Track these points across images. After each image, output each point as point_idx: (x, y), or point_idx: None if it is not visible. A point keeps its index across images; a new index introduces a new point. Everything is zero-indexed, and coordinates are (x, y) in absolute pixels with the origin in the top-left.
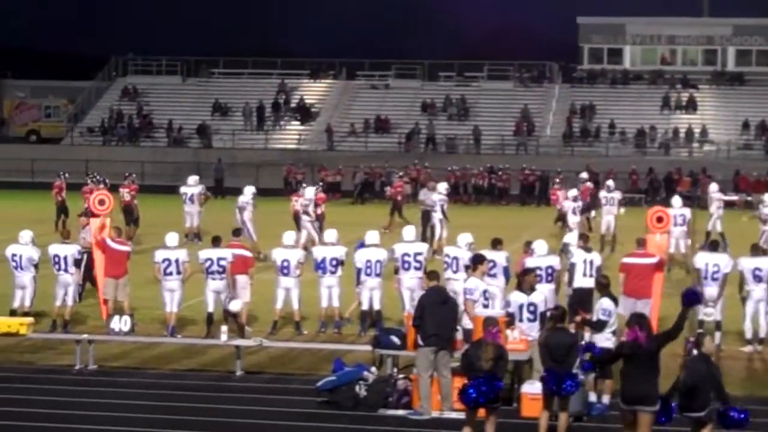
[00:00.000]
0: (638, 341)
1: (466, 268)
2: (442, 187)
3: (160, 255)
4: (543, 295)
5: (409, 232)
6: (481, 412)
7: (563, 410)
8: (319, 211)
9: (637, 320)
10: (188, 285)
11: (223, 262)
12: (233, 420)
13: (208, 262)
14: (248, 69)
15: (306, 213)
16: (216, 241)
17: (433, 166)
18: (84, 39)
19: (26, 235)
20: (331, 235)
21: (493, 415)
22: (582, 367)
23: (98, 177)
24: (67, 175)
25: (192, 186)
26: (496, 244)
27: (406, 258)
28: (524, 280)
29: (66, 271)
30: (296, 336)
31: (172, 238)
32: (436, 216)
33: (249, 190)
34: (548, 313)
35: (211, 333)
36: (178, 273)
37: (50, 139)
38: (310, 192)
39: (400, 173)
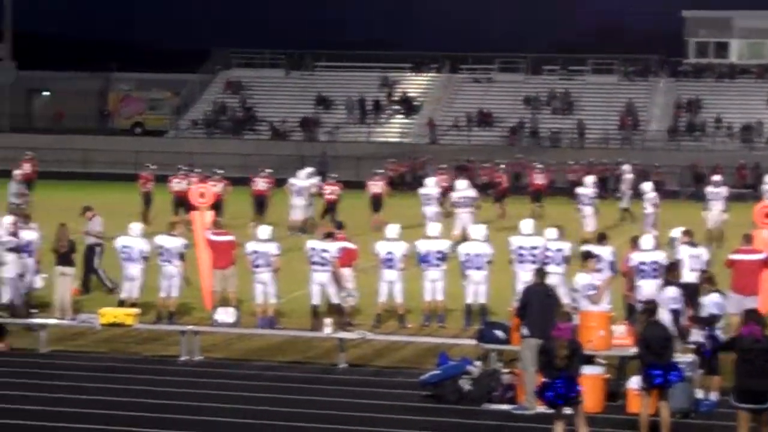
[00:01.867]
0: (756, 336)
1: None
2: (590, 181)
3: (250, 247)
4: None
5: (527, 225)
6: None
7: (664, 405)
8: None
9: (753, 315)
10: (290, 276)
11: (326, 255)
12: (336, 412)
13: (311, 253)
14: (351, 62)
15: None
16: (329, 236)
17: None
18: (187, 32)
19: (136, 227)
20: (434, 228)
21: (579, 409)
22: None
23: (188, 169)
24: (154, 166)
25: (302, 179)
26: (602, 238)
27: (521, 251)
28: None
29: (171, 263)
30: (400, 329)
31: (263, 230)
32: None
33: None
34: (640, 307)
35: (316, 325)
36: (268, 265)
37: (154, 131)
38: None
39: (502, 165)
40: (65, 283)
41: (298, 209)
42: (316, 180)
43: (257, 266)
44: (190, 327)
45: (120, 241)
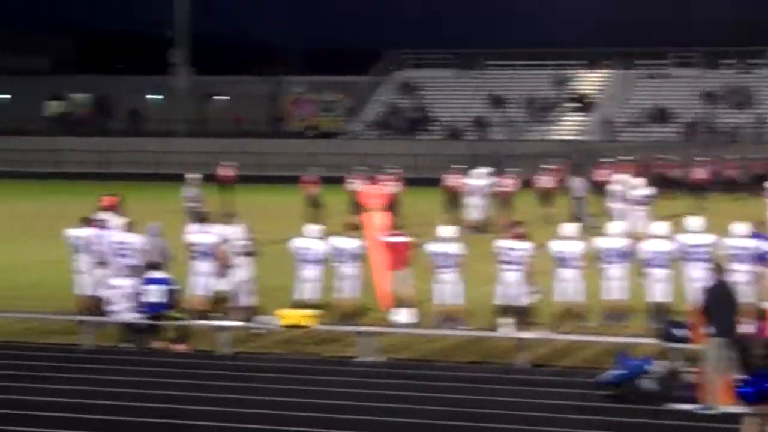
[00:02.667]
0: None
1: None
2: None
3: (431, 247)
4: None
5: (695, 222)
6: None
7: None
8: None
9: None
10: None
11: (517, 254)
12: (516, 412)
13: (501, 252)
14: (522, 60)
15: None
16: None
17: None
18: (358, 33)
19: (314, 229)
20: (617, 227)
21: None
22: None
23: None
24: (315, 169)
25: (477, 179)
26: None
27: (689, 249)
28: None
29: (345, 263)
30: (579, 328)
31: (446, 230)
32: None
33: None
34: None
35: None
36: (452, 266)
37: (327, 133)
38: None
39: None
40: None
41: (473, 209)
42: (491, 180)
43: (439, 267)
44: (367, 327)
45: (296, 243)
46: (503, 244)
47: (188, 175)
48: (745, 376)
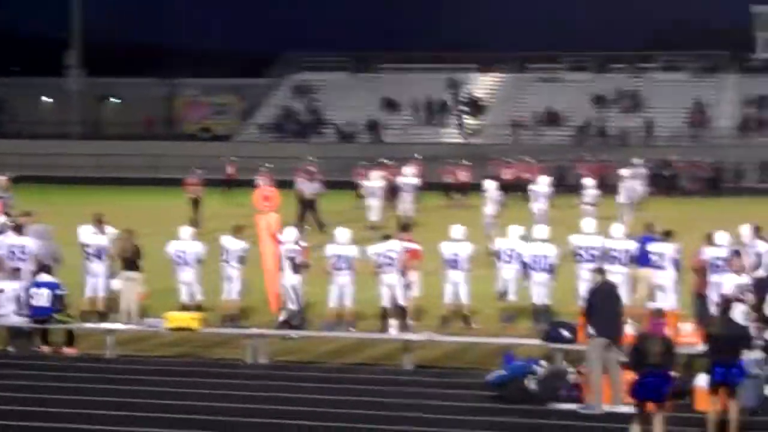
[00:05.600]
0: None
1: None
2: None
3: (331, 250)
4: None
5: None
6: (650, 407)
7: (733, 403)
8: None
9: None
10: (361, 279)
11: (392, 255)
12: (403, 414)
13: (378, 256)
14: (416, 63)
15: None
16: (386, 237)
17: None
18: (253, 36)
19: (186, 231)
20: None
21: (663, 410)
22: None
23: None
24: (200, 171)
25: (373, 181)
26: (667, 235)
27: (579, 251)
28: None
29: (229, 264)
30: (466, 330)
31: (341, 233)
32: None
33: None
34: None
35: (383, 327)
36: (348, 268)
37: (221, 136)
38: None
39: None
40: (131, 288)
41: (372, 210)
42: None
43: (338, 269)
44: (255, 330)
45: (172, 246)
46: (376, 249)
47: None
48: (641, 375)
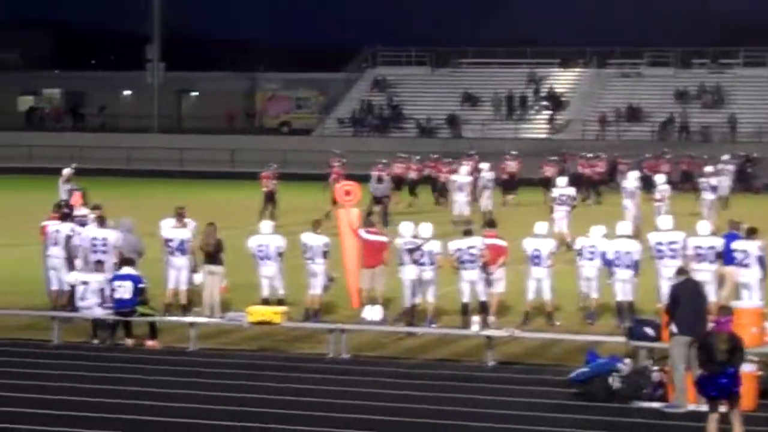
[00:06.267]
0: None
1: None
2: None
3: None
4: None
5: (665, 221)
6: (723, 404)
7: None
8: None
9: None
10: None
11: (473, 251)
12: (485, 410)
13: (459, 252)
14: (497, 59)
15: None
16: (468, 233)
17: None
18: (333, 31)
19: (267, 225)
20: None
21: (737, 406)
22: None
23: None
24: (275, 165)
25: (462, 175)
26: (751, 233)
27: (660, 247)
28: None
29: (314, 260)
30: (548, 327)
31: (425, 228)
32: None
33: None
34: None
35: (465, 323)
36: (431, 264)
37: (301, 130)
38: None
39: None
40: (214, 281)
41: (459, 204)
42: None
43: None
44: (337, 325)
45: (253, 241)
46: (458, 244)
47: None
48: (707, 373)
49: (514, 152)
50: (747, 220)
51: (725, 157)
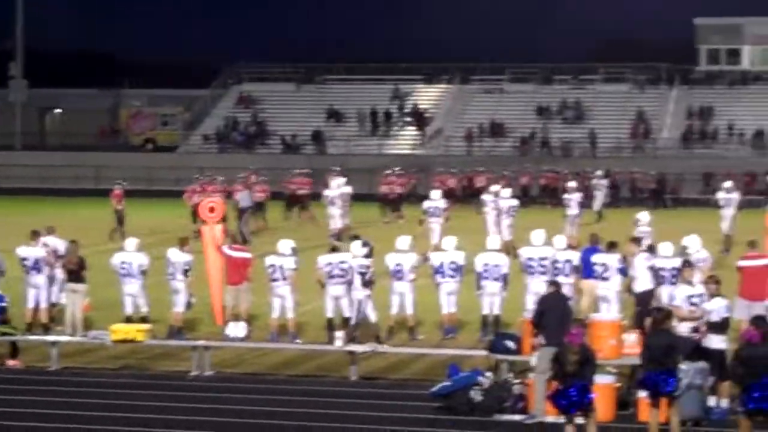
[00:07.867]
0: (752, 341)
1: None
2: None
3: (269, 261)
4: None
5: (538, 236)
6: (576, 416)
7: (673, 413)
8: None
9: (754, 321)
10: (305, 290)
11: (344, 266)
12: (349, 425)
13: (329, 267)
14: (362, 75)
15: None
16: (335, 249)
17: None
18: (198, 48)
19: (132, 242)
20: (450, 241)
21: (592, 417)
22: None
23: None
24: (125, 183)
25: (334, 189)
26: (611, 246)
27: (531, 262)
28: None
29: (174, 277)
30: (410, 342)
31: (283, 244)
32: None
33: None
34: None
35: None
36: (284, 279)
37: (166, 147)
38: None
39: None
40: (76, 299)
41: (332, 218)
42: (348, 189)
43: (275, 280)
44: (200, 342)
45: (117, 257)
46: (328, 259)
47: None
48: (560, 386)
49: (397, 169)
50: (618, 233)
51: (599, 172)
